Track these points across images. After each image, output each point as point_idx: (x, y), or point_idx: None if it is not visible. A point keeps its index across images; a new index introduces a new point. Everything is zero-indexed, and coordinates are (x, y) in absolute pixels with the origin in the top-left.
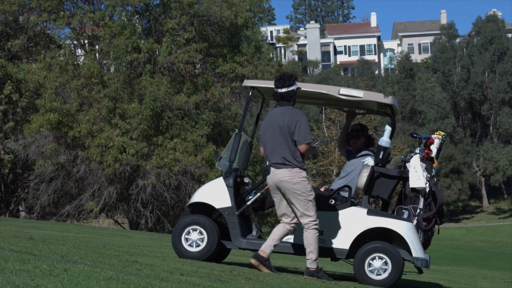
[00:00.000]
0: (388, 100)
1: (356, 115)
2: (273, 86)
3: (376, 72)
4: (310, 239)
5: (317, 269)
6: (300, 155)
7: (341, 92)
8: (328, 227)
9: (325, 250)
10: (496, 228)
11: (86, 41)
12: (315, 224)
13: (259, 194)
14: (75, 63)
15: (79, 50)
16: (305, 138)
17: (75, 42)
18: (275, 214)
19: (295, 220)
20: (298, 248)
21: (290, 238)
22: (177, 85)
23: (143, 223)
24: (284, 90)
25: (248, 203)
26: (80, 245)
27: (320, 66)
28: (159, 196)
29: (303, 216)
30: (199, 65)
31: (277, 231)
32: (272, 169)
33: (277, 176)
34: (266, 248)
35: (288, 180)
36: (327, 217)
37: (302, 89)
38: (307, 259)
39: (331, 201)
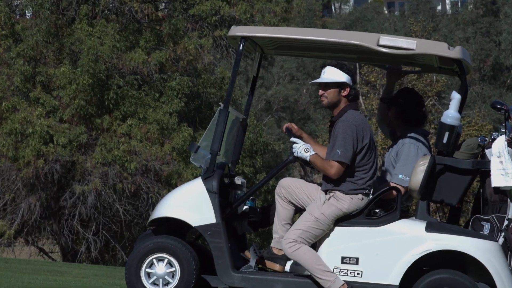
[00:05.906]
0: (455, 52)
1: (402, 74)
2: (277, 35)
3: (439, 8)
4: None
5: None
6: None
7: (381, 43)
8: (367, 251)
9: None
10: None
11: None
12: None
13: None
14: None
15: None
16: None
17: None
18: None
19: None
20: None
21: None
22: (131, 36)
23: (83, 251)
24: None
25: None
26: None
27: (352, 0)
28: (107, 209)
29: None
30: (163, 4)
31: None
32: None
33: None
34: None
35: None
36: (364, 236)
37: (325, 39)
38: None
39: (376, 212)
